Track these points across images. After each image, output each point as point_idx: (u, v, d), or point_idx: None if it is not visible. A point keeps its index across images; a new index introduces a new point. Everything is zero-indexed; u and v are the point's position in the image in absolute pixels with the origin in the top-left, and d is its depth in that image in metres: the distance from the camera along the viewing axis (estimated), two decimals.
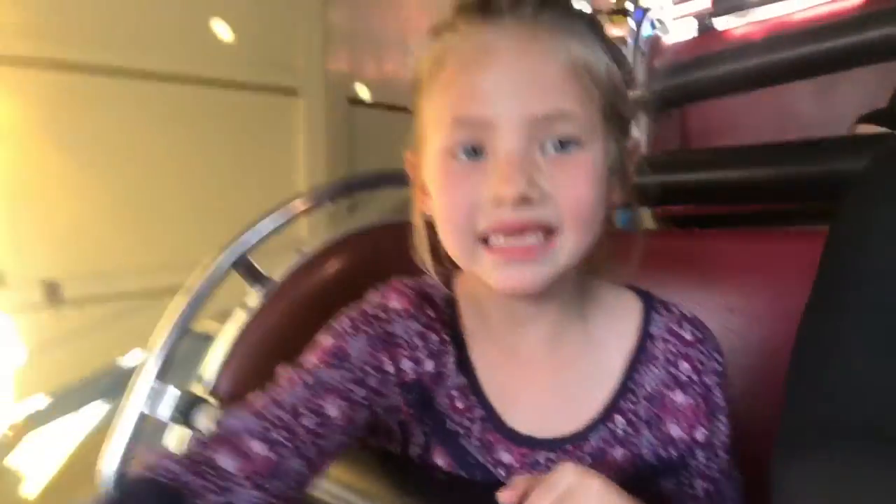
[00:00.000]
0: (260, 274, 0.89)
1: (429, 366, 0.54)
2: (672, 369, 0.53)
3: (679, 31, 2.13)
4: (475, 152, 0.47)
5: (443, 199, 0.49)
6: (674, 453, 0.53)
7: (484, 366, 0.54)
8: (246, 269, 0.88)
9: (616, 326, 0.55)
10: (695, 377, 0.53)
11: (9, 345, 1.61)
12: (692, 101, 1.16)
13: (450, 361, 0.54)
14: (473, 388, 0.53)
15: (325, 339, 0.54)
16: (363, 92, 2.43)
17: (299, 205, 0.97)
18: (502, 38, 0.47)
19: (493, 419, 0.53)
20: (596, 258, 0.53)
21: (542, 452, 0.52)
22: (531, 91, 0.46)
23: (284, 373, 0.53)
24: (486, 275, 0.48)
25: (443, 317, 0.56)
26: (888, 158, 0.51)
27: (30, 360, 1.64)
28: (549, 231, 0.46)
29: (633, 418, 0.52)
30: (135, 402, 0.78)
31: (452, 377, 0.54)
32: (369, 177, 1.05)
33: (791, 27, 1.80)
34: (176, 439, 0.78)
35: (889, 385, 0.41)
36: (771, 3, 1.96)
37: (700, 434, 0.53)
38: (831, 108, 1.70)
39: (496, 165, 0.46)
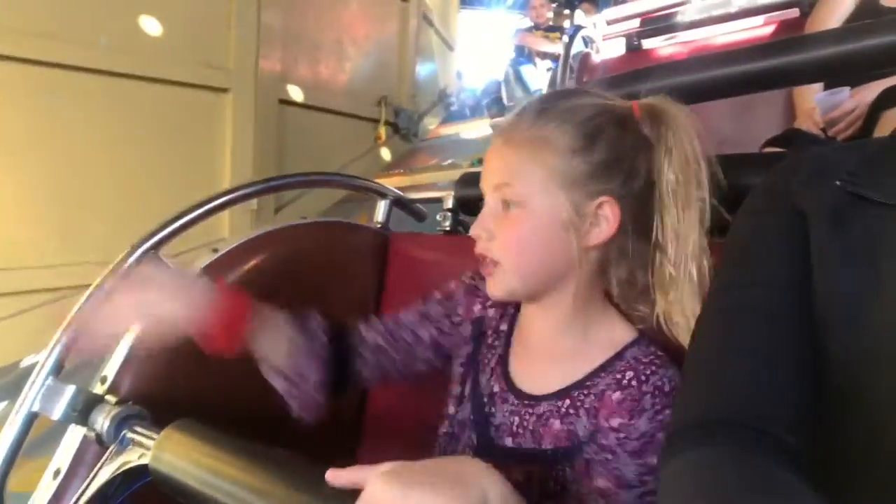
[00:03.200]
0: None
1: (493, 313, 0.79)
2: (618, 376, 0.65)
3: (608, 49, 2.20)
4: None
5: None
6: (600, 435, 0.64)
7: (515, 338, 0.76)
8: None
9: (602, 344, 0.69)
10: (634, 383, 0.63)
11: None
12: None
13: (505, 324, 0.78)
14: (504, 345, 0.77)
15: (449, 284, 0.83)
16: (295, 93, 2.39)
17: (213, 201, 0.93)
18: (492, 145, 0.71)
19: (502, 364, 0.75)
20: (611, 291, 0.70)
21: (511, 394, 0.72)
22: (492, 172, 0.69)
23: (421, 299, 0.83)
24: None
25: (508, 316, 0.79)
26: (773, 177, 0.54)
27: None
28: (493, 262, 0.68)
29: (577, 405, 0.66)
30: (26, 401, 0.73)
31: (503, 328, 0.78)
32: (292, 177, 1.03)
33: (713, 50, 1.89)
34: (72, 440, 0.74)
35: (761, 382, 0.43)
36: (695, 27, 2.06)
37: (619, 424, 0.62)
38: (747, 128, 1.80)
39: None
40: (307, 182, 1.07)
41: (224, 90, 2.20)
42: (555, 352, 0.71)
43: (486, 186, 0.70)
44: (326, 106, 2.59)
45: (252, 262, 0.90)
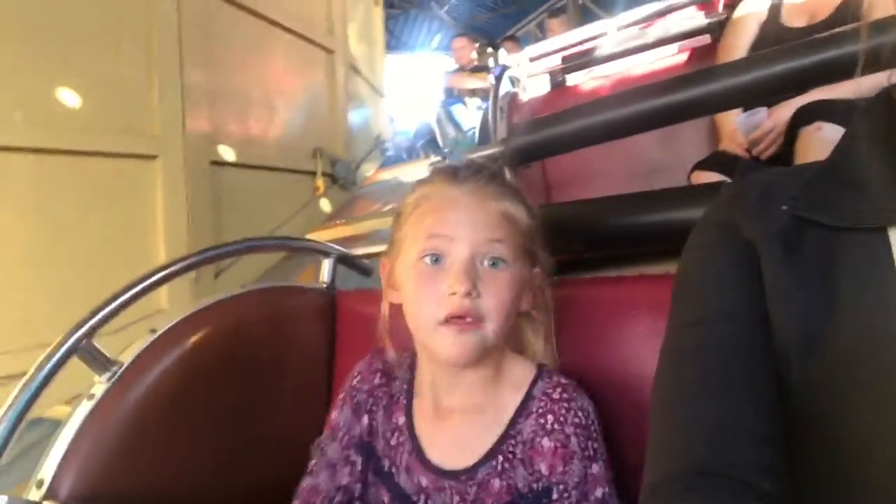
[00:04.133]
0: (106, 359, 0.81)
1: (379, 414, 0.79)
2: (541, 420, 0.69)
3: (534, 87, 2.26)
4: (437, 260, 0.68)
5: (414, 292, 0.69)
6: (542, 486, 0.67)
7: (419, 414, 0.76)
8: (89, 354, 0.79)
9: (512, 390, 0.72)
10: (557, 427, 0.68)
11: None
12: (550, 154, 1.21)
13: (399, 409, 0.78)
14: (409, 428, 0.76)
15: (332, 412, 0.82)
16: (227, 153, 2.35)
17: (147, 279, 0.89)
18: (464, 193, 0.71)
19: (417, 451, 0.74)
20: (511, 342, 0.74)
21: (445, 480, 0.71)
22: (478, 224, 0.69)
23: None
24: (440, 347, 0.67)
25: (397, 379, 0.80)
26: (717, 209, 0.54)
27: None
28: (479, 319, 0.67)
29: (511, 458, 0.69)
30: None
31: (398, 418, 0.78)
32: (230, 245, 1.00)
33: (632, 81, 1.97)
34: None
35: (732, 426, 0.42)
36: (614, 60, 2.14)
37: (557, 474, 0.66)
38: (674, 153, 1.87)
39: (452, 269, 0.67)
40: (245, 249, 1.03)
41: (151, 157, 2.14)
42: (472, 411, 0.72)
43: (469, 240, 0.68)
44: (260, 163, 2.55)
45: (193, 340, 0.86)
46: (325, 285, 1.09)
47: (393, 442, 0.77)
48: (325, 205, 3.00)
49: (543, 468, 0.67)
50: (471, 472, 0.70)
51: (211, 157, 2.27)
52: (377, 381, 0.80)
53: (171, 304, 1.82)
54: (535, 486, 0.67)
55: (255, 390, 0.93)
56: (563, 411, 0.68)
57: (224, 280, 2.13)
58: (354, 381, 0.81)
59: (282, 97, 2.81)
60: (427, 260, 0.69)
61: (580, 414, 0.68)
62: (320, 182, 2.94)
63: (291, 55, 2.96)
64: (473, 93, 4.73)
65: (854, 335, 0.41)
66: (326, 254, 1.12)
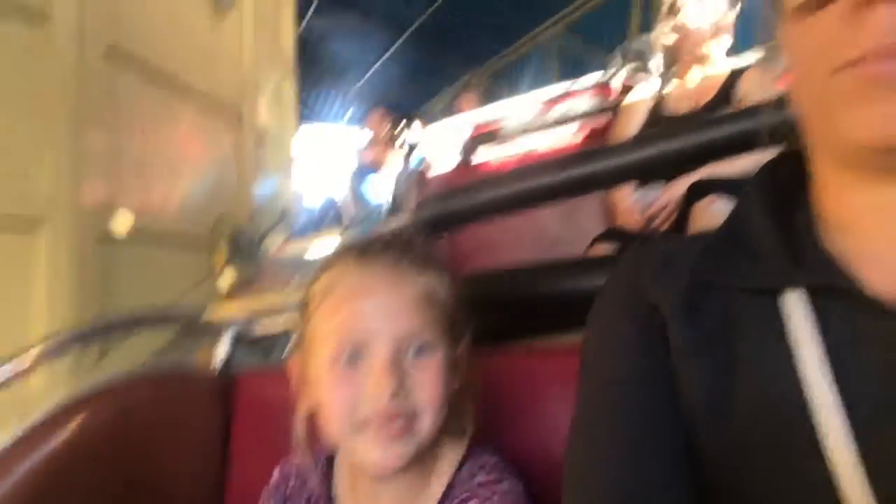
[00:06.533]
0: None
1: None
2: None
3: (442, 163, 2.31)
4: (355, 359, 0.62)
5: (331, 396, 0.63)
6: None
7: None
8: None
9: (441, 473, 0.68)
10: None
11: None
12: (459, 224, 1.23)
13: None
14: None
15: None
16: (121, 225, 2.22)
17: (26, 360, 0.81)
18: (377, 276, 0.65)
19: None
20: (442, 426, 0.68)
21: None
22: (398, 313, 0.63)
23: None
24: (365, 456, 0.62)
25: (314, 483, 0.73)
26: (621, 274, 0.55)
27: None
28: (411, 419, 0.62)
29: None
30: None
31: None
32: (113, 322, 0.92)
33: (536, 158, 2.06)
34: None
35: (640, 492, 0.42)
36: (518, 138, 2.24)
37: None
38: (575, 227, 1.94)
39: (373, 370, 0.61)
40: (130, 326, 0.95)
41: (33, 229, 1.97)
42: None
43: (389, 333, 0.62)
44: (159, 235, 2.43)
45: (66, 436, 0.77)
46: (221, 367, 1.02)
47: None
48: (227, 279, 2.88)
49: None
50: None
51: (103, 229, 2.13)
52: (291, 485, 0.75)
53: (45, 392, 1.64)
54: None
55: (140, 493, 0.84)
56: (487, 493, 0.64)
57: (108, 363, 1.96)
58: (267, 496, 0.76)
59: (185, 167, 2.72)
60: (343, 360, 0.63)
61: (507, 499, 0.64)
62: (222, 255, 2.83)
63: (198, 124, 2.89)
64: (386, 166, 4.80)
65: (753, 400, 0.42)
66: (224, 331, 1.05)
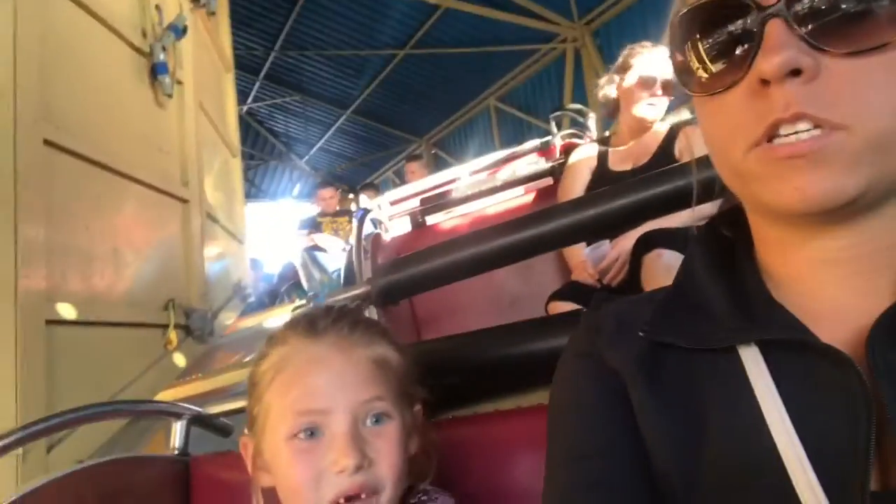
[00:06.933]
0: None
1: None
2: None
3: (395, 228, 2.33)
4: (313, 434, 0.63)
5: (290, 473, 0.63)
6: None
7: None
8: None
9: None
10: None
11: None
12: (415, 292, 1.23)
13: None
14: None
15: None
16: (66, 310, 2.13)
17: None
18: (327, 348, 0.66)
19: None
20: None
21: None
22: (352, 385, 0.64)
23: None
24: None
25: None
26: (579, 340, 0.55)
27: None
28: (374, 492, 0.62)
29: None
30: None
31: None
32: (61, 416, 0.87)
33: (487, 219, 2.10)
34: None
35: None
36: (469, 201, 2.28)
37: None
38: (532, 284, 1.97)
39: (334, 443, 0.62)
40: (80, 419, 0.91)
41: None
42: None
43: (346, 406, 0.63)
44: (105, 319, 2.33)
45: None
46: (176, 452, 0.97)
47: None
48: (180, 359, 2.77)
49: None
50: None
51: (46, 315, 2.05)
52: None
53: None
54: None
55: None
56: None
57: (57, 455, 1.84)
58: None
59: (132, 249, 2.66)
60: (301, 435, 0.63)
61: None
62: (173, 335, 2.74)
63: (144, 206, 2.85)
64: (336, 238, 4.80)
65: (724, 454, 0.42)
66: (178, 415, 1.01)
